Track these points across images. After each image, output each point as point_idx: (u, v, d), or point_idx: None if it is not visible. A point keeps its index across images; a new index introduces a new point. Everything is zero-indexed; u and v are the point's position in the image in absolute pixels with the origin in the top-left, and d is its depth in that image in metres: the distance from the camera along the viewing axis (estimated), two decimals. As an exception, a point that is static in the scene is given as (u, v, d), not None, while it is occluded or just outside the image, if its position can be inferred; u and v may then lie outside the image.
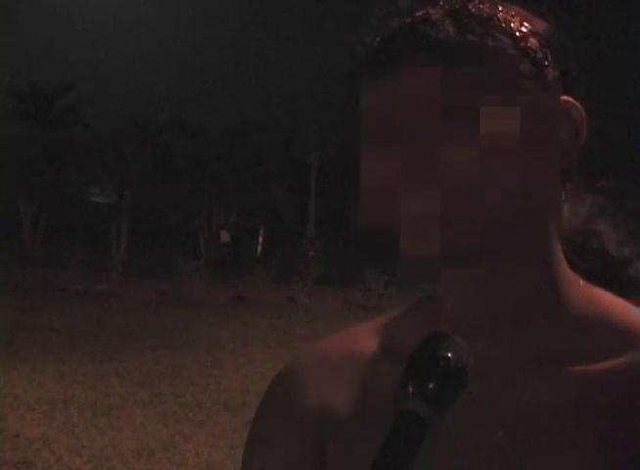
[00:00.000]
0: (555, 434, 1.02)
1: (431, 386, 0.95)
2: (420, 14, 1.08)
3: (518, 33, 1.08)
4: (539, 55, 1.08)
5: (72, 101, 45.17)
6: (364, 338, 1.18)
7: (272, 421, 1.18)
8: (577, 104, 1.09)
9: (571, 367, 1.05)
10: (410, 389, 0.96)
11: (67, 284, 25.05)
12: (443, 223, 1.01)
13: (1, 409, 9.87)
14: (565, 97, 1.09)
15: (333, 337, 1.22)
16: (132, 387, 11.36)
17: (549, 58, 1.09)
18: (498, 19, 1.08)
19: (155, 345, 14.80)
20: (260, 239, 43.25)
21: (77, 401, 10.46)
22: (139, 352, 14.00)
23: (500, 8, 1.10)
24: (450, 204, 1.01)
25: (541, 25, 1.12)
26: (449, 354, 0.96)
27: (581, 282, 1.10)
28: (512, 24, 1.08)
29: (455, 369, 0.96)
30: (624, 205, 1.20)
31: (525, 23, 1.10)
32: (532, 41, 1.08)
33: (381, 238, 1.04)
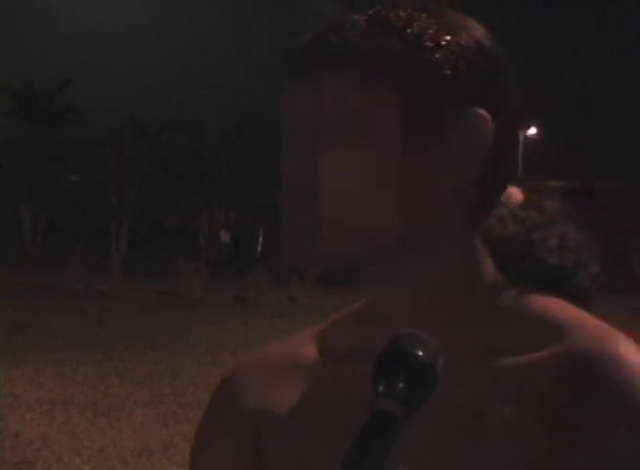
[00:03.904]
0: (492, 425, 1.05)
1: (401, 385, 0.95)
2: (337, 20, 1.11)
3: (428, 44, 1.09)
4: (445, 68, 1.09)
5: (72, 99, 45.16)
6: (305, 343, 1.20)
7: (213, 426, 1.22)
8: (485, 115, 1.09)
9: (500, 360, 1.07)
10: (381, 388, 0.95)
11: (67, 284, 25.06)
12: (325, 229, 1.08)
13: (1, 409, 9.87)
14: (473, 109, 1.09)
15: (275, 344, 1.25)
16: (132, 387, 11.36)
17: (460, 70, 1.10)
18: (412, 29, 1.10)
19: (155, 345, 14.80)
20: (260, 239, 43.26)
21: (77, 401, 10.45)
22: (139, 352, 14.00)
23: (419, 17, 1.11)
24: (334, 210, 1.08)
25: (464, 36, 1.12)
26: (420, 352, 0.96)
27: (505, 283, 1.12)
28: (424, 36, 1.10)
29: (426, 367, 0.96)
30: (577, 208, 1.21)
31: (444, 35, 1.11)
32: (443, 53, 1.10)
33: (303, 236, 1.09)
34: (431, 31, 1.10)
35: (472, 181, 1.10)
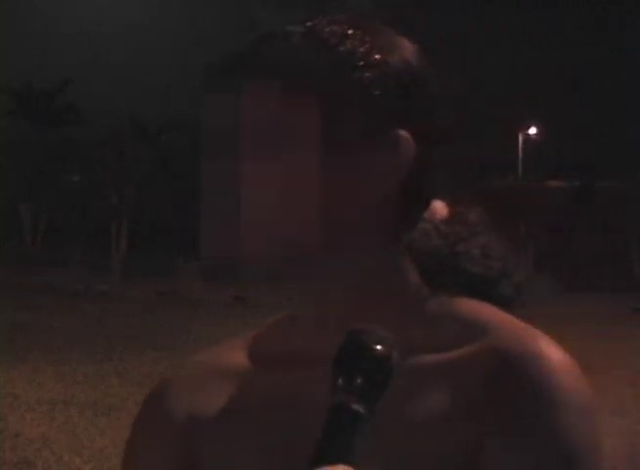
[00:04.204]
0: (416, 422, 1.08)
1: (360, 379, 0.97)
2: (271, 33, 1.13)
3: (358, 62, 1.11)
4: (373, 88, 1.11)
5: (72, 99, 45.15)
6: (235, 350, 1.23)
7: (141, 442, 1.24)
8: (407, 137, 1.12)
9: (424, 359, 1.11)
10: (341, 383, 0.98)
11: (67, 284, 25.05)
12: (245, 230, 1.12)
13: (1, 409, 9.87)
14: (396, 130, 1.12)
15: (204, 352, 1.28)
16: (132, 387, 11.35)
17: (387, 91, 1.12)
18: (345, 46, 1.12)
19: (155, 345, 14.79)
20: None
21: (77, 401, 10.45)
22: (139, 352, 14.00)
23: (353, 34, 1.13)
24: (253, 214, 1.12)
25: (395, 57, 1.14)
26: (378, 347, 0.99)
27: (428, 289, 1.16)
28: (355, 54, 1.12)
29: (383, 361, 0.98)
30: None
31: (374, 54, 1.12)
32: (373, 73, 1.11)
33: (225, 235, 1.15)
34: (362, 50, 1.12)
35: (391, 198, 1.13)
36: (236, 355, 1.22)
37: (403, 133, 1.12)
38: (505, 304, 1.17)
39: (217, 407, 1.18)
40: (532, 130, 55.52)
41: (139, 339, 15.43)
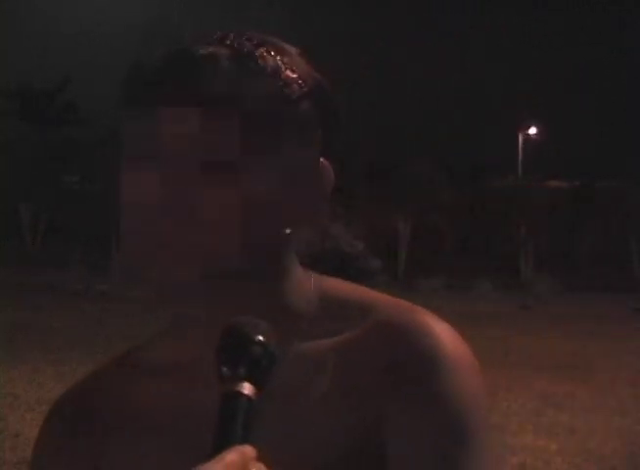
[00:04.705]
0: (318, 401, 1.15)
1: (243, 366, 1.01)
2: (185, 51, 1.13)
3: (289, 90, 1.14)
4: (302, 106, 1.16)
5: (72, 99, 45.16)
6: (122, 361, 1.31)
7: (48, 455, 1.26)
8: (327, 165, 1.18)
9: (316, 343, 1.18)
10: (226, 371, 1.02)
11: (67, 284, 25.06)
12: (172, 251, 1.13)
13: (1, 409, 9.87)
14: (321, 159, 1.17)
15: (87, 377, 1.31)
16: (132, 387, 11.36)
17: (311, 110, 1.16)
18: (271, 66, 1.14)
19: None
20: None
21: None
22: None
23: (271, 51, 1.15)
24: (178, 236, 1.12)
25: (316, 77, 1.19)
26: (260, 337, 1.03)
27: (314, 275, 1.24)
28: (282, 75, 1.15)
29: (262, 345, 1.03)
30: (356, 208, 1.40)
31: (300, 80, 1.16)
32: (299, 92, 1.15)
33: (142, 260, 1.15)
34: (287, 71, 1.15)
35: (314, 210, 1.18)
36: (123, 367, 1.28)
37: (324, 161, 1.17)
38: (369, 277, 1.33)
39: (114, 417, 1.23)
40: (532, 130, 55.48)
41: (139, 339, 15.39)
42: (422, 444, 1.11)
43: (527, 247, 39.06)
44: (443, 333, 1.16)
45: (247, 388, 1.01)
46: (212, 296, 1.16)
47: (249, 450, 0.97)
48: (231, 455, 0.96)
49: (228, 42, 1.14)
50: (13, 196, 40.70)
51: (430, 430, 1.11)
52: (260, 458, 0.98)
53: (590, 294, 28.20)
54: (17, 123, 44.01)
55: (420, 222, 39.14)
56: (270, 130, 1.13)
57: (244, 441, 0.98)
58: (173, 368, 1.22)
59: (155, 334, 1.33)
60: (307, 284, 1.22)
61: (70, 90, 45.86)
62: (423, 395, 1.12)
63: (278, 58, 1.15)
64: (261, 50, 1.15)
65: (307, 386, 1.15)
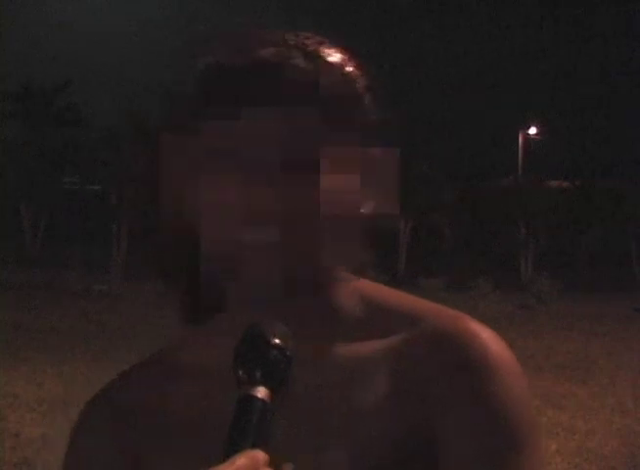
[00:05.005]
0: (364, 407, 1.14)
1: (259, 370, 1.01)
2: (261, 51, 1.13)
3: (355, 85, 1.16)
4: (366, 100, 1.17)
5: (72, 99, 45.13)
6: (159, 361, 1.31)
7: (85, 452, 1.26)
8: (394, 154, 1.19)
9: (361, 345, 1.17)
10: (242, 374, 1.01)
11: (67, 284, 25.04)
12: (274, 253, 1.12)
13: (1, 409, 9.87)
14: (377, 148, 1.18)
15: (134, 366, 1.35)
16: (132, 387, 11.35)
17: (372, 103, 1.18)
18: (337, 63, 1.16)
19: (155, 345, 14.76)
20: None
21: (77, 401, 10.43)
22: (139, 353, 13.97)
23: (331, 48, 1.17)
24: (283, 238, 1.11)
25: (362, 68, 1.20)
26: (277, 340, 1.03)
27: (356, 277, 1.23)
28: (346, 71, 1.16)
29: (279, 349, 1.03)
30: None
31: (361, 75, 1.18)
32: (368, 90, 1.18)
33: (223, 262, 1.14)
34: (349, 67, 1.17)
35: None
36: (160, 367, 1.29)
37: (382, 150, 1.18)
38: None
39: (150, 418, 1.22)
40: (532, 130, 55.48)
41: (139, 339, 15.43)
42: (474, 447, 1.13)
43: (527, 247, 39.03)
44: (490, 339, 1.19)
45: (261, 392, 1.00)
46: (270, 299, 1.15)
47: (260, 455, 0.97)
48: (242, 459, 0.96)
49: (292, 42, 1.15)
50: (13, 196, 40.68)
51: (481, 433, 1.13)
52: (271, 463, 0.98)
53: (590, 294, 28.17)
54: (16, 124, 43.98)
55: (420, 222, 39.11)
56: (347, 127, 1.13)
57: (258, 444, 0.98)
58: (206, 370, 1.22)
59: (187, 333, 1.33)
60: (353, 287, 1.22)
61: (71, 90, 45.83)
62: (473, 399, 1.14)
63: (339, 55, 1.17)
64: (324, 48, 1.16)
65: (353, 388, 1.15)
